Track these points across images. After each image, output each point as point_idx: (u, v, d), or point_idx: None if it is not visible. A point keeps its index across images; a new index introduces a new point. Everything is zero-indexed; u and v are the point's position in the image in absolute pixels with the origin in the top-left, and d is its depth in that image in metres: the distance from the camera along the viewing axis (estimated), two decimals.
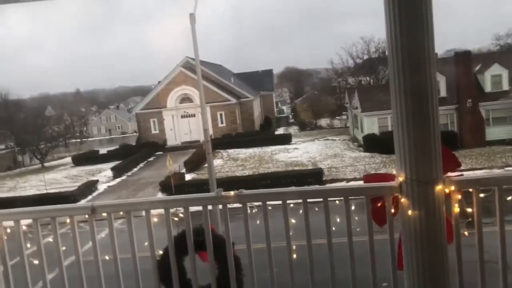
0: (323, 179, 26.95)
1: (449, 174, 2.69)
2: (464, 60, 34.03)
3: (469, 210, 2.72)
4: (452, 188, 2.62)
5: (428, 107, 2.52)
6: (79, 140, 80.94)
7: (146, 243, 3.02)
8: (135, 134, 70.04)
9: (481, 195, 2.69)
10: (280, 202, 2.89)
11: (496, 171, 24.54)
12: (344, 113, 57.27)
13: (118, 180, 34.13)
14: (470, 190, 2.70)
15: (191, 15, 16.40)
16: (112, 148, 53.44)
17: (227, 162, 37.07)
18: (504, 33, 68.51)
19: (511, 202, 2.88)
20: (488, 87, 35.54)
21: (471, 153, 31.33)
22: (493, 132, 34.41)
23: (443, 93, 34.87)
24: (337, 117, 62.44)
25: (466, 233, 2.78)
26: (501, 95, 35.07)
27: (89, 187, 30.44)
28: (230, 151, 42.48)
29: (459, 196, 2.66)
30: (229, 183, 24.49)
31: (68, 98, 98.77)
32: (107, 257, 3.10)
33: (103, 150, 52.55)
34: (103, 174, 36.80)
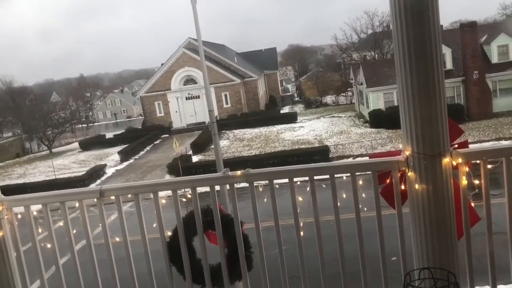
0: (330, 156, 26.96)
1: (456, 145, 2.68)
2: (470, 31, 33.50)
3: (477, 182, 2.71)
4: (460, 160, 2.61)
5: (434, 80, 2.49)
6: (85, 125, 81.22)
7: (155, 225, 3.04)
8: (140, 117, 70.20)
9: (489, 166, 2.68)
10: (287, 180, 2.89)
11: (504, 143, 24.39)
12: (349, 89, 56.83)
13: (125, 163, 34.35)
14: (478, 161, 2.68)
15: None
16: (118, 132, 53.66)
17: (234, 143, 37.10)
18: (510, 2, 67.24)
19: None
20: (494, 58, 35.05)
21: (479, 125, 31.11)
22: (500, 103, 34.09)
23: (449, 65, 34.49)
24: (342, 94, 61.97)
25: (473, 204, 2.77)
26: (508, 65, 34.61)
27: (97, 171, 30.68)
28: (236, 131, 42.48)
29: (467, 169, 2.65)
30: (236, 163, 24.55)
31: (73, 84, 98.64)
32: (117, 239, 3.13)
33: (109, 135, 52.82)
34: (111, 158, 37.04)
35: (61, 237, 3.12)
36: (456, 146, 2.71)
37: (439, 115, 2.51)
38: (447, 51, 33.90)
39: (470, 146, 2.85)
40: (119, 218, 3.05)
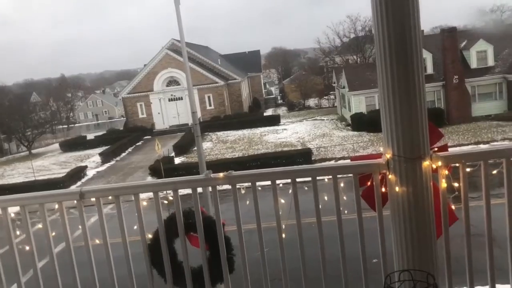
0: (312, 158, 27.09)
1: (435, 148, 2.72)
2: (450, 37, 34.08)
3: (456, 185, 2.75)
4: (439, 163, 2.65)
5: (415, 85, 2.53)
6: (66, 126, 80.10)
7: (135, 227, 3.02)
8: (122, 118, 69.55)
9: (468, 169, 2.72)
10: (269, 182, 2.90)
11: (482, 146, 24.85)
12: (332, 92, 57.25)
13: (107, 165, 33.96)
14: (457, 165, 2.72)
15: None
16: (99, 133, 53.02)
17: (217, 145, 37.01)
18: (488, 9, 68.68)
19: (497, 176, 2.92)
20: (473, 63, 35.72)
21: (458, 129, 31.64)
22: (479, 108, 34.75)
23: (429, 70, 35.01)
24: (325, 97, 62.40)
25: (453, 207, 2.82)
26: (487, 70, 35.32)
27: (78, 173, 30.26)
28: (219, 133, 42.39)
29: (446, 172, 2.69)
30: (219, 165, 24.48)
31: (53, 84, 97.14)
32: (97, 241, 3.09)
33: (90, 136, 52.12)
34: (92, 159, 36.57)
35: (40, 239, 3.06)
36: (436, 149, 2.75)
37: (419, 119, 2.55)
38: (428, 56, 34.41)
39: (450, 149, 2.89)
40: (100, 220, 3.01)
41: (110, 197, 2.99)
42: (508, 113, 33.65)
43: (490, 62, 35.54)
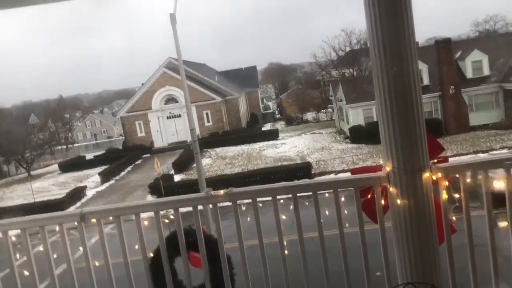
0: (312, 172, 27.05)
1: (435, 160, 2.72)
2: (445, 48, 34.39)
3: (457, 196, 2.75)
4: (439, 175, 2.65)
5: (412, 96, 2.54)
6: (64, 146, 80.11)
7: (137, 247, 3.00)
8: (121, 137, 69.61)
9: (468, 180, 2.72)
10: (270, 198, 2.89)
11: (481, 156, 24.86)
12: (329, 106, 57.49)
13: (106, 184, 33.87)
14: (457, 175, 2.73)
15: (172, 15, 16.28)
16: (98, 153, 52.99)
17: (216, 161, 36.98)
18: (482, 19, 69.52)
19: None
20: (469, 73, 35.96)
21: (456, 139, 31.69)
22: (477, 117, 34.89)
23: (426, 81, 35.21)
24: (322, 110, 62.66)
25: (454, 218, 2.81)
26: (482, 80, 35.54)
27: (78, 193, 30.15)
28: (218, 149, 42.39)
29: (447, 183, 2.69)
30: (218, 182, 24.45)
31: (51, 105, 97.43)
32: (97, 263, 3.07)
33: (89, 156, 52.10)
34: (91, 179, 36.49)
35: (41, 262, 3.04)
36: (436, 161, 2.76)
37: (417, 131, 2.56)
38: (423, 67, 34.64)
39: (449, 159, 2.90)
40: (101, 241, 2.99)
41: (110, 218, 2.98)
42: (505, 121, 33.77)
43: (486, 71, 35.78)
